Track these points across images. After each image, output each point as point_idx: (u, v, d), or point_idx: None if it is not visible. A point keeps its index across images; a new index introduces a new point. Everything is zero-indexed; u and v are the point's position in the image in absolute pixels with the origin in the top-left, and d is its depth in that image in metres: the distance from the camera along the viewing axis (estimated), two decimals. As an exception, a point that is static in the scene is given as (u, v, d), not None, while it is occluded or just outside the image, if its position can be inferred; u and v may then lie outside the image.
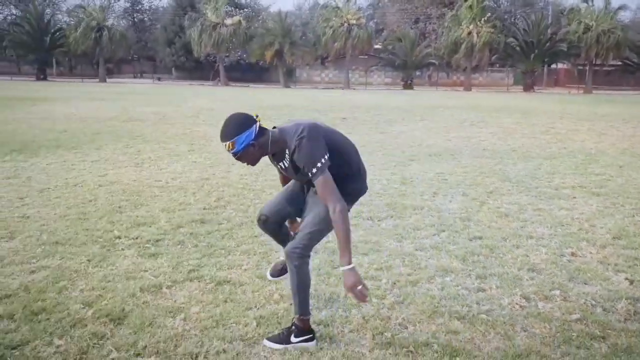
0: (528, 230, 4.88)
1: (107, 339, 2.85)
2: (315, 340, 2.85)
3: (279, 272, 3.15)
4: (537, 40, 40.90)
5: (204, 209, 5.49)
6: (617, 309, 3.29)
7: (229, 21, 42.35)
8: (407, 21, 53.19)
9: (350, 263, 2.53)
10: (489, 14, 41.28)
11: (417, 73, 46.95)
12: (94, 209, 5.40)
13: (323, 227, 2.70)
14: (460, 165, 8.24)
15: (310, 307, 2.90)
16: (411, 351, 2.76)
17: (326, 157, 2.55)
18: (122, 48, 45.45)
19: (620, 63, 43.14)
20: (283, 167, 2.74)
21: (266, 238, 4.54)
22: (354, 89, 41.92)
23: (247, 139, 2.56)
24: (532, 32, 41.50)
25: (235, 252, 4.23)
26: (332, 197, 2.53)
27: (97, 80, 44.43)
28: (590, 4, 40.85)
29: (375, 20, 57.33)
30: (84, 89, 31.12)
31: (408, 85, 43.58)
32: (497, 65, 49.67)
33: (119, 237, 4.52)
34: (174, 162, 8.07)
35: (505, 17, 49.62)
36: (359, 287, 2.51)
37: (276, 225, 2.98)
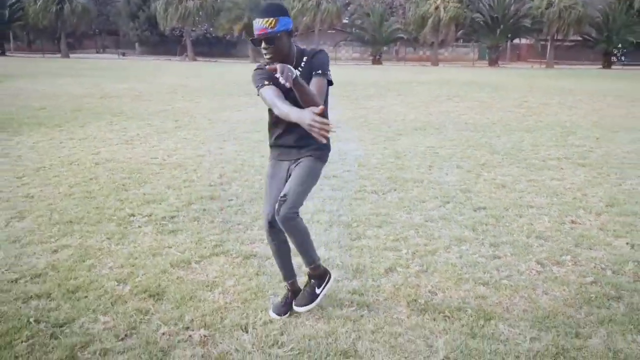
0: (527, 200, 5.08)
1: (152, 314, 2.87)
2: (333, 276, 3.02)
3: (286, 308, 2.92)
4: (501, 16, 41.35)
5: (210, 185, 5.49)
6: (625, 271, 3.50)
7: (195, -6, 41.20)
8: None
9: (295, 76, 2.43)
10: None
11: (385, 48, 46.98)
12: (98, 187, 5.32)
13: (307, 185, 2.75)
14: (447, 139, 8.40)
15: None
16: (447, 316, 2.89)
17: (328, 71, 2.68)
18: (85, 22, 43.69)
19: (580, 38, 44.11)
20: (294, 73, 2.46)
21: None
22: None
23: (288, 24, 2.57)
24: (497, 7, 41.91)
25: (252, 227, 4.26)
26: (322, 99, 2.59)
27: (60, 55, 42.83)
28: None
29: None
30: (48, 64, 29.94)
31: (377, 61, 43.57)
32: (462, 40, 50.13)
33: (133, 215, 4.49)
34: (164, 139, 7.96)
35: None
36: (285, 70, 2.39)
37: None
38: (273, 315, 2.87)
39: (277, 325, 2.79)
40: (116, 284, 3.22)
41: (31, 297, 3.03)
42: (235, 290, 3.16)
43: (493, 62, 42.64)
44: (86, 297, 3.04)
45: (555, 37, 42.44)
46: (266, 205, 2.82)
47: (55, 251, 3.70)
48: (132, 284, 3.22)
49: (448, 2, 40.56)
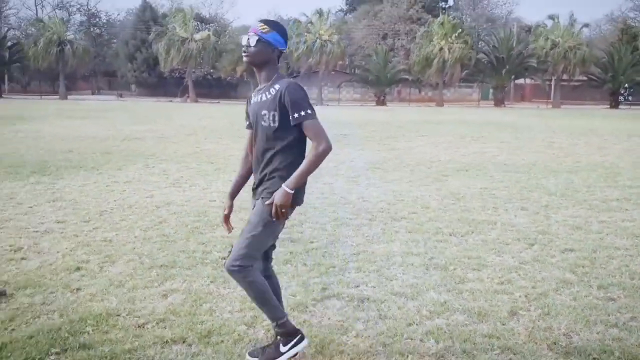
0: (609, 242, 5.20)
1: (299, 357, 2.93)
2: (305, 340, 2.86)
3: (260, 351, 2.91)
4: (507, 56, 42.55)
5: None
6: None
7: (198, 36, 42.36)
8: (375, 37, 54.37)
9: (292, 189, 2.63)
10: (460, 30, 42.76)
11: (387, 89, 48.01)
12: (172, 230, 5.41)
13: (256, 233, 2.69)
14: (496, 180, 8.59)
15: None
16: (596, 358, 2.97)
17: (313, 109, 2.66)
18: (84, 63, 44.49)
19: (585, 78, 45.35)
20: (259, 99, 2.73)
21: (373, 255, 4.71)
22: (327, 105, 42.43)
23: (277, 42, 2.69)
24: (501, 47, 43.18)
25: (349, 270, 4.34)
26: (323, 135, 2.62)
27: (58, 97, 43.37)
28: (556, 21, 42.94)
29: (340, 36, 58.30)
30: (51, 106, 30.33)
31: (381, 101, 44.42)
32: (464, 81, 51.30)
33: (224, 258, 4.56)
34: (211, 182, 8.08)
35: (472, 33, 51.48)
36: (284, 210, 2.64)
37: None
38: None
39: (430, 368, 2.86)
40: (246, 327, 3.28)
41: (167, 342, 3.09)
42: (369, 334, 3.22)
43: (499, 102, 43.58)
44: (222, 341, 3.10)
45: (560, 77, 43.58)
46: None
47: (165, 295, 3.76)
48: (262, 327, 3.28)
49: (453, 43, 41.77)
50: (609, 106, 42.25)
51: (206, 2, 54.90)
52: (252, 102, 2.83)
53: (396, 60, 46.41)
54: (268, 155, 2.75)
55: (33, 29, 43.12)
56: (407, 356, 2.97)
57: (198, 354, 2.95)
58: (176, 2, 55.89)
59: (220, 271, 4.26)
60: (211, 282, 4.04)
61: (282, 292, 3.84)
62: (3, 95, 43.42)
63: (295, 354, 2.86)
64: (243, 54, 2.71)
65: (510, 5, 57.73)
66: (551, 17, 43.43)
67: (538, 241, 5.18)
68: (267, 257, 2.97)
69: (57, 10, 47.28)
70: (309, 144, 2.69)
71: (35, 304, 3.60)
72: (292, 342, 2.83)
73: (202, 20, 49.35)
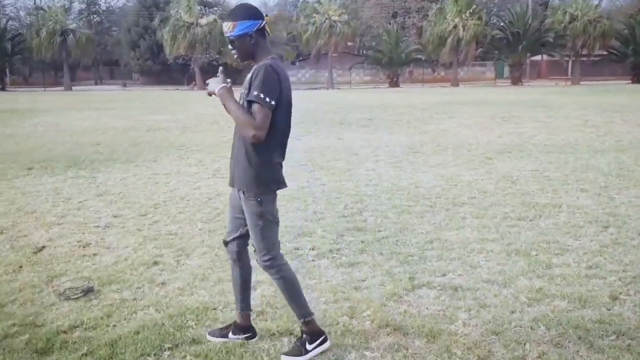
0: (686, 222, 5.20)
1: (405, 348, 2.97)
2: (328, 341, 2.96)
3: (220, 334, 3.08)
4: (523, 32, 42.10)
5: (343, 216, 5.61)
6: None
7: (203, 21, 42.13)
8: (385, 16, 53.93)
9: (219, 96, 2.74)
10: (475, 6, 42.30)
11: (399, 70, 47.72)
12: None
13: (261, 229, 2.80)
14: (544, 161, 8.56)
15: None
16: None
17: (274, 101, 2.64)
18: (88, 53, 44.44)
19: (605, 52, 44.84)
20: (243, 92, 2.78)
21: (448, 242, 4.73)
22: (339, 88, 42.26)
23: (248, 28, 2.71)
24: (517, 23, 42.72)
25: (429, 259, 4.36)
26: (261, 126, 2.61)
27: (62, 88, 43.41)
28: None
29: (350, 16, 57.88)
30: (60, 98, 30.43)
31: (394, 83, 44.18)
32: (479, 59, 50.89)
33: (297, 249, 4.62)
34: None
35: (486, 8, 50.96)
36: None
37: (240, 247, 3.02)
38: (208, 337, 3.05)
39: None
40: (348, 318, 3.33)
41: (274, 334, 3.14)
42: (476, 323, 3.25)
43: (516, 80, 43.22)
44: (329, 332, 3.12)
45: (580, 52, 43.11)
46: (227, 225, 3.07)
47: (254, 288, 3.80)
48: (369, 318, 3.31)
49: (467, 19, 41.35)
50: (630, 81, 41.77)
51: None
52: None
53: (408, 39, 46.00)
54: (236, 137, 2.85)
55: (32, 18, 42.85)
56: (524, 344, 2.99)
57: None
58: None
59: (298, 262, 4.30)
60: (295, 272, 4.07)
61: (370, 281, 3.92)
62: (6, 89, 43.44)
63: (319, 353, 2.92)
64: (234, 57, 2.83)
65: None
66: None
67: (611, 224, 5.18)
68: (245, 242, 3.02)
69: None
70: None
71: (127, 299, 3.66)
72: (318, 342, 2.92)
73: (205, 4, 49.02)
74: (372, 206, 6.03)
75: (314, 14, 42.35)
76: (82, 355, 2.93)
